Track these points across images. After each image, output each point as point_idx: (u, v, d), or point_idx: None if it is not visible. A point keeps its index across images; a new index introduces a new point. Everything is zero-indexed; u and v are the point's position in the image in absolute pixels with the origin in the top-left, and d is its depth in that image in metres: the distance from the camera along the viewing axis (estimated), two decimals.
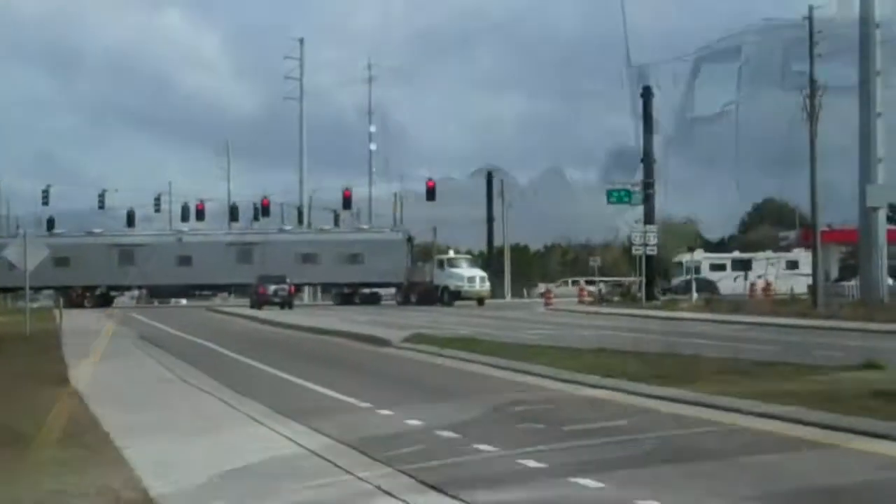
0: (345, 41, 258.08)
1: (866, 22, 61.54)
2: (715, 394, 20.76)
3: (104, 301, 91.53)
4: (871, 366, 24.41)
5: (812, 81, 58.32)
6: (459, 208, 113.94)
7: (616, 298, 77.84)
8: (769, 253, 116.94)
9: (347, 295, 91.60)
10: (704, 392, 21.07)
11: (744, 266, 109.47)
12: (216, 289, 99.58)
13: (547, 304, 75.38)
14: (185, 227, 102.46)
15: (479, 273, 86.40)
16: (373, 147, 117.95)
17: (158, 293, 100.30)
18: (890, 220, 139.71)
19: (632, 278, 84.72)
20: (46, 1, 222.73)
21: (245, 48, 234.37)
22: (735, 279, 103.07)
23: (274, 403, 21.79)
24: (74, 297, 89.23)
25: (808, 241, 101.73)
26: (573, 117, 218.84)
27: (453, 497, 12.77)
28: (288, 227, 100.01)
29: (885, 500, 13.15)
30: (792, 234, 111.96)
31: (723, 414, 19.05)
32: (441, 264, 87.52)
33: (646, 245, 70.84)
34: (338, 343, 41.14)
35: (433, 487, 13.29)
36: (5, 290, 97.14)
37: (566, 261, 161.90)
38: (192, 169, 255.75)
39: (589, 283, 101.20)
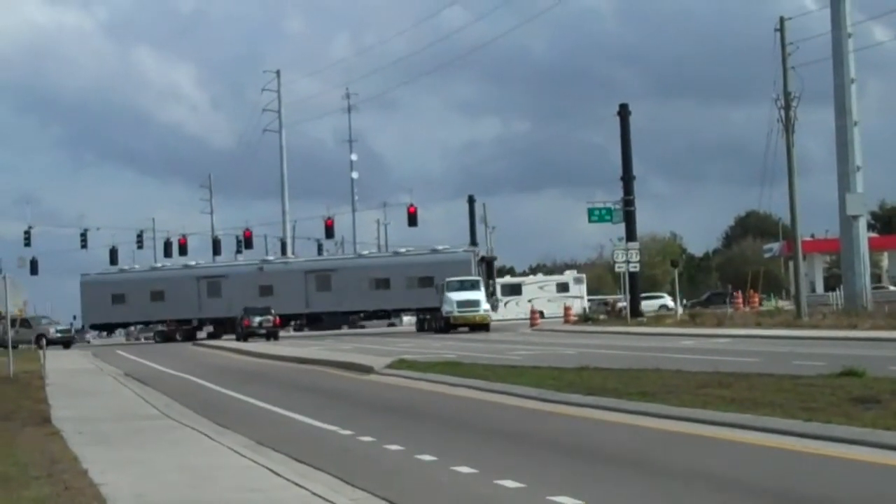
0: (321, 71, 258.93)
1: (838, 30, 61.91)
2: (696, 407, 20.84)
3: (193, 335, 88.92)
4: (850, 373, 24.43)
5: (787, 93, 58.59)
6: (442, 233, 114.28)
7: (601, 317, 77.90)
8: (540, 277, 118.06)
9: (422, 321, 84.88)
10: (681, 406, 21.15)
11: (513, 291, 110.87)
12: (295, 318, 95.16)
13: (532, 325, 75.44)
14: (192, 261, 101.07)
15: (473, 296, 75.77)
16: (354, 175, 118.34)
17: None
18: (871, 227, 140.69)
19: (617, 296, 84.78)
20: (20, 41, 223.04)
21: (221, 82, 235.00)
22: (506, 304, 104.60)
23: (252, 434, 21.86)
24: (168, 332, 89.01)
25: (790, 251, 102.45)
26: (552, 138, 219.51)
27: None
28: (366, 252, 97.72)
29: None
30: (776, 246, 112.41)
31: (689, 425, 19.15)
32: (441, 288, 78.27)
33: (628, 262, 70.95)
34: (319, 371, 41.09)
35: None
36: (106, 326, 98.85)
37: None
38: (172, 203, 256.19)
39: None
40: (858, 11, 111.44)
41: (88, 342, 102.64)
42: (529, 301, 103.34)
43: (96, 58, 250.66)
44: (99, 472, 16.69)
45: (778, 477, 14.72)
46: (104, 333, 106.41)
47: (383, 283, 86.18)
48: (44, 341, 77.31)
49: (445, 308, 75.40)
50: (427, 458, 17.67)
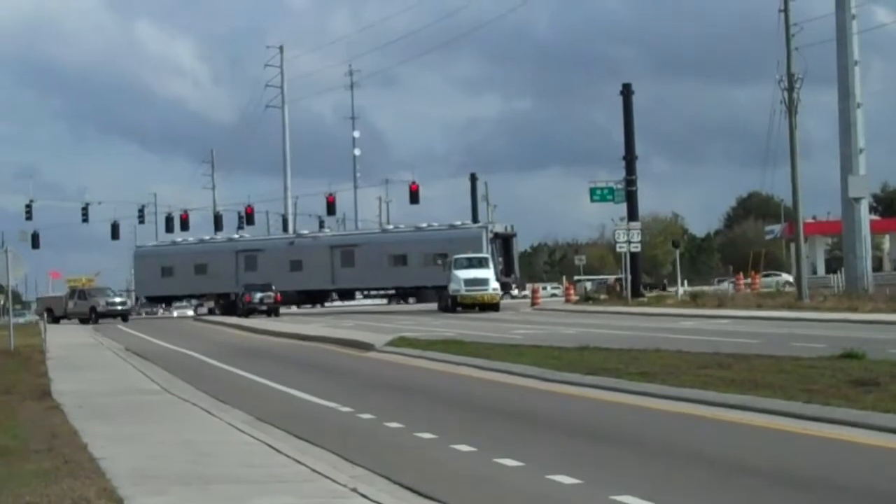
0: (322, 47, 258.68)
1: (843, 11, 61.77)
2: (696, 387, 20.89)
3: (232, 309, 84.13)
4: (850, 355, 24.43)
5: (790, 75, 58.46)
6: (444, 211, 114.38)
7: (602, 297, 77.85)
8: None
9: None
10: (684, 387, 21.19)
11: None
12: (322, 295, 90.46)
13: (534, 304, 75.41)
14: (235, 234, 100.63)
15: (482, 274, 71.44)
16: (357, 152, 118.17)
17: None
18: (873, 210, 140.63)
19: (618, 276, 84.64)
20: (20, 13, 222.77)
21: (223, 57, 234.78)
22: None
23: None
24: (240, 305, 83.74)
25: (791, 233, 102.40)
26: (554, 117, 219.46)
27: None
28: (390, 227, 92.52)
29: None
30: (777, 228, 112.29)
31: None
32: (448, 265, 73.47)
33: (629, 242, 70.88)
34: (321, 348, 41.14)
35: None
36: (158, 299, 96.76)
37: (553, 260, 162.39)
38: (174, 178, 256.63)
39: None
40: None
41: (141, 315, 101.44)
42: None
43: (97, 31, 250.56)
44: (99, 447, 16.72)
45: (776, 458, 14.74)
46: (161, 306, 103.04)
47: (401, 260, 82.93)
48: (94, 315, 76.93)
49: (452, 286, 71.39)
50: (427, 435, 17.70)
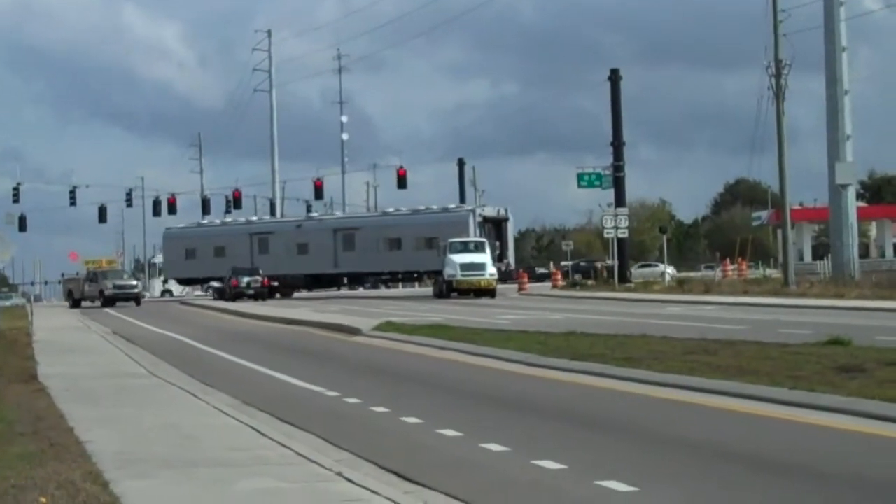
0: (309, 31, 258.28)
1: None
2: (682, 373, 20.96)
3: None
4: (836, 341, 24.50)
5: (777, 61, 58.52)
6: (432, 195, 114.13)
7: (590, 282, 77.94)
8: None
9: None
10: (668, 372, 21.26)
11: None
12: (328, 280, 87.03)
13: (521, 290, 75.41)
14: (205, 219, 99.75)
15: (478, 259, 69.12)
16: (344, 137, 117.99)
17: (285, 284, 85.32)
18: (860, 197, 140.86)
19: (607, 262, 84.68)
20: None
21: (210, 40, 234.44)
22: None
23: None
24: (227, 290, 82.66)
25: (778, 219, 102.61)
26: (542, 102, 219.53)
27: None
28: (391, 209, 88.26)
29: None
30: (764, 214, 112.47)
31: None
32: (443, 249, 71.06)
33: (617, 228, 70.96)
34: (307, 332, 41.16)
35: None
36: (184, 281, 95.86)
37: (540, 245, 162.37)
38: (161, 162, 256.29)
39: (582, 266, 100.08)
40: None
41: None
42: None
43: (83, 13, 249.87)
44: (85, 430, 16.73)
45: (760, 444, 14.78)
46: (187, 288, 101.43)
47: (396, 244, 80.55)
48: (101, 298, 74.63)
49: (448, 271, 68.91)
50: (413, 420, 17.73)
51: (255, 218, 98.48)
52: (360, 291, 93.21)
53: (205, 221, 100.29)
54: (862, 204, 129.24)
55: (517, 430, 16.48)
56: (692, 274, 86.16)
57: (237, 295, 76.12)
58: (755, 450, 14.37)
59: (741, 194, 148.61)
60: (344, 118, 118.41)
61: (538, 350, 26.70)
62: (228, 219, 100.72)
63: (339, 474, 13.16)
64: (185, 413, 19.23)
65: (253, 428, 17.07)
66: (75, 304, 78.55)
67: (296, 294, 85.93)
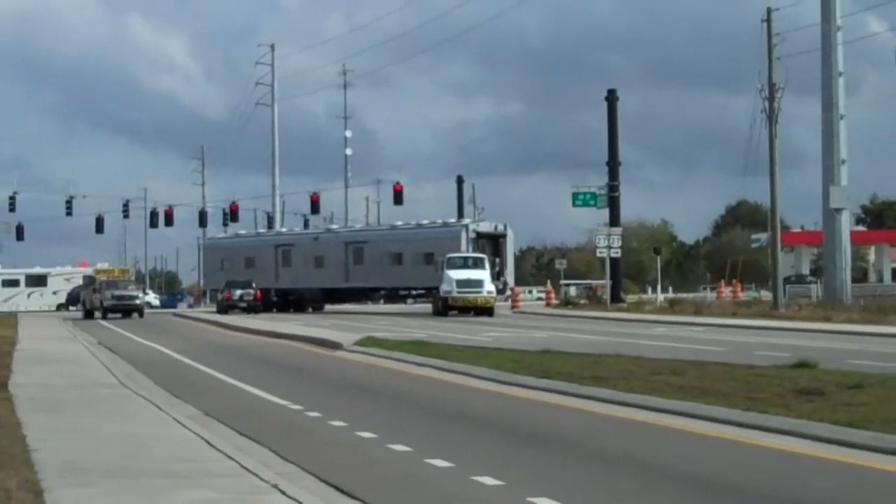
0: (314, 46, 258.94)
1: (828, 23, 61.94)
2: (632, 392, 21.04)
3: (270, 305, 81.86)
4: (803, 365, 24.54)
5: (771, 84, 58.65)
6: (434, 212, 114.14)
7: (583, 301, 77.97)
8: (68, 268, 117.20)
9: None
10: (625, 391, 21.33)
11: (38, 282, 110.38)
12: (341, 294, 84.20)
13: (514, 308, 75.45)
14: (284, 228, 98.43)
15: (476, 275, 67.31)
16: (348, 152, 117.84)
17: (303, 298, 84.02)
18: (861, 221, 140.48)
19: (601, 281, 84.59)
20: (10, 5, 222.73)
21: (215, 53, 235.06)
22: (29, 295, 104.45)
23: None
24: (221, 302, 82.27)
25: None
26: (546, 121, 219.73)
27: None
28: (399, 222, 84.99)
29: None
30: (763, 236, 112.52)
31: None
32: (441, 264, 69.44)
33: (609, 248, 71.01)
34: (290, 346, 41.21)
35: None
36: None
37: (540, 264, 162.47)
38: (165, 174, 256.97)
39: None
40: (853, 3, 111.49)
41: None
42: (54, 293, 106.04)
43: (88, 25, 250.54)
44: (38, 439, 16.76)
45: (706, 464, 14.81)
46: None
47: (397, 259, 77.96)
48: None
49: (444, 287, 66.89)
50: (367, 434, 17.75)
51: (284, 230, 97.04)
52: (369, 307, 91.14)
53: (243, 232, 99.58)
54: (862, 228, 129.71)
55: (467, 446, 16.52)
56: (688, 295, 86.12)
57: (229, 307, 76.29)
58: (700, 470, 14.40)
59: (742, 216, 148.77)
60: (348, 133, 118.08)
61: (510, 368, 26.71)
62: (262, 230, 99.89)
63: (276, 487, 13.19)
64: (145, 424, 19.25)
65: (205, 440, 17.09)
66: (88, 314, 76.55)
67: (310, 308, 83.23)
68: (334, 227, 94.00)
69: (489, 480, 13.63)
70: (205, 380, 29.16)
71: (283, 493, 12.87)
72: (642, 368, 25.38)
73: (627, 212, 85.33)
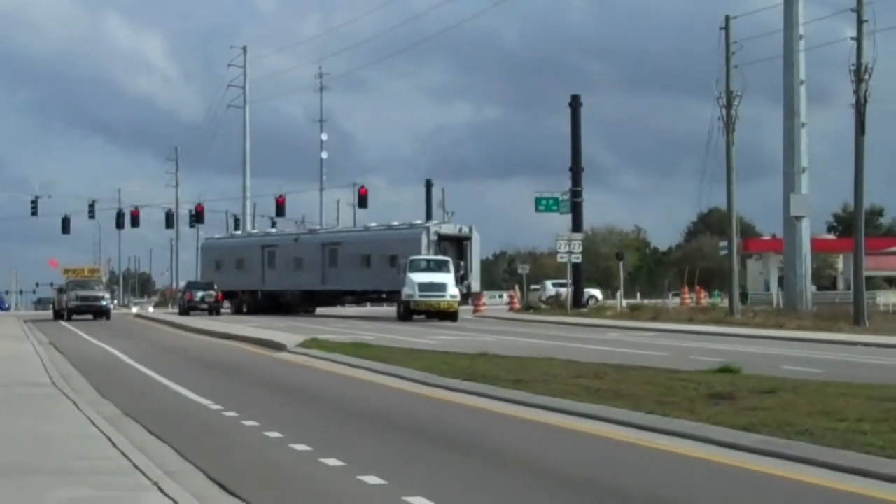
0: (290, 48, 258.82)
1: (790, 30, 62.18)
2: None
3: (257, 308, 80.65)
4: (726, 369, 24.74)
5: (728, 92, 58.91)
6: (408, 215, 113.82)
7: (544, 306, 78.15)
8: None
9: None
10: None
11: None
12: (318, 297, 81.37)
13: (475, 312, 75.45)
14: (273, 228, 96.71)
15: (439, 279, 65.60)
16: (324, 155, 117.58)
17: (284, 301, 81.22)
18: (833, 229, 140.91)
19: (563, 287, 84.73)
20: None
21: (192, 54, 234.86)
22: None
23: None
24: (239, 303, 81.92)
25: (747, 249, 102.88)
26: (521, 126, 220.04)
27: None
28: (373, 224, 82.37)
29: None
30: None
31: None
32: (403, 267, 67.47)
33: (570, 253, 71.19)
34: (235, 347, 41.32)
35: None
36: (230, 294, 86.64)
37: (512, 269, 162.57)
38: (140, 174, 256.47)
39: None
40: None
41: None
42: None
43: (65, 24, 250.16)
44: None
45: (596, 466, 14.89)
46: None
47: (366, 261, 75.95)
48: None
49: (406, 291, 64.92)
50: (274, 434, 17.83)
51: (273, 230, 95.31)
52: (348, 310, 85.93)
53: (238, 232, 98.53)
54: (832, 237, 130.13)
55: (365, 446, 16.61)
56: (651, 301, 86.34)
57: (190, 308, 76.29)
58: (588, 471, 14.50)
59: (713, 223, 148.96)
60: (324, 136, 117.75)
61: (440, 370, 26.86)
62: (255, 230, 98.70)
63: (156, 485, 13.28)
64: (56, 423, 19.28)
65: (109, 439, 17.14)
66: (57, 315, 74.49)
67: (300, 311, 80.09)
68: (317, 227, 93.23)
69: (373, 479, 13.73)
70: (139, 380, 29.20)
71: (161, 490, 12.95)
72: (567, 372, 25.56)
73: (603, 217, 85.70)
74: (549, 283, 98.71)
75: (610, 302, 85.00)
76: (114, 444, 16.56)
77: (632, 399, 20.07)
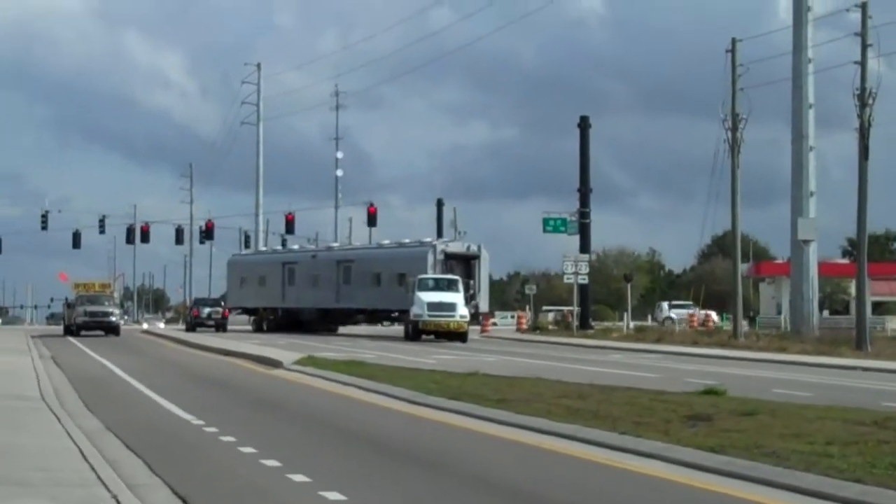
0: (306, 65, 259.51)
1: (798, 54, 62.16)
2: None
3: (278, 326, 79.51)
4: (710, 392, 24.73)
5: (734, 114, 58.91)
6: (421, 234, 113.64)
7: (551, 327, 78.15)
8: None
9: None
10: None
11: None
12: (333, 315, 79.52)
13: (483, 332, 75.42)
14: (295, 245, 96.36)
15: (448, 298, 63.92)
16: (339, 173, 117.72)
17: (303, 319, 79.69)
18: (847, 254, 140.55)
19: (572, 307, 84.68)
20: (6, 19, 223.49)
21: (210, 71, 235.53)
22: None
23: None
24: (260, 320, 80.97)
25: (759, 273, 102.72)
26: (537, 146, 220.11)
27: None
28: (385, 241, 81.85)
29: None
30: (744, 267, 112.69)
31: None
32: (411, 286, 65.95)
33: (577, 274, 71.13)
34: (233, 363, 41.37)
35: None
36: (249, 311, 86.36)
37: (525, 290, 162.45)
38: (157, 189, 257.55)
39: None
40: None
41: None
42: None
43: (84, 40, 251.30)
44: None
45: (559, 486, 14.90)
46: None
47: (376, 279, 74.18)
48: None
49: (415, 311, 63.38)
50: (248, 450, 17.82)
51: (296, 247, 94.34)
52: (362, 329, 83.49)
53: (264, 248, 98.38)
54: (846, 261, 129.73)
55: (336, 463, 16.62)
56: (646, 323, 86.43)
57: (197, 325, 76.41)
58: (545, 491, 14.52)
59: (726, 246, 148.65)
60: (339, 154, 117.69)
61: (428, 389, 26.84)
62: (279, 247, 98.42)
63: (115, 498, 13.31)
64: (33, 436, 19.34)
65: (81, 452, 17.20)
66: (67, 330, 72.84)
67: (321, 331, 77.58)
68: (334, 244, 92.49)
69: (334, 495, 13.74)
70: (129, 395, 29.22)
71: (118, 503, 13.01)
72: (553, 392, 25.57)
73: (618, 238, 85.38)
74: (665, 305, 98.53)
75: (618, 324, 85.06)
76: (84, 457, 16.63)
77: (609, 420, 20.06)
